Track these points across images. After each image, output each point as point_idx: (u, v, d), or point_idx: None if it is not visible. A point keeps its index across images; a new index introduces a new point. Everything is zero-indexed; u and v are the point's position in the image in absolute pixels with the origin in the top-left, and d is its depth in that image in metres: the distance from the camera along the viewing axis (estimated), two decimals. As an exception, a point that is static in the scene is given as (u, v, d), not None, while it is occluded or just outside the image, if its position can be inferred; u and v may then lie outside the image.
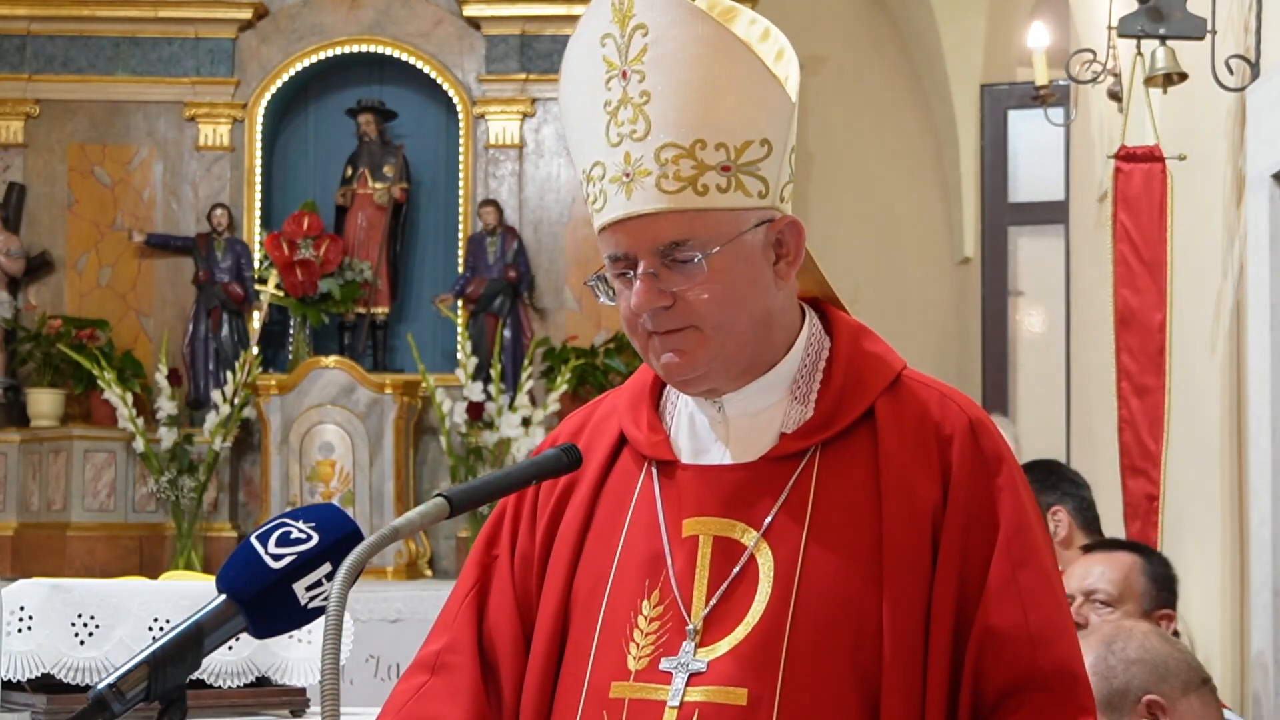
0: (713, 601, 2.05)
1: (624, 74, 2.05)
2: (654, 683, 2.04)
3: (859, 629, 2.01)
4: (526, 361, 11.73)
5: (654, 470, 2.15)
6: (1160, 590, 4.35)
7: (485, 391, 11.50)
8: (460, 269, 12.10)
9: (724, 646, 2.02)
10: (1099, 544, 4.61)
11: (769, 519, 2.07)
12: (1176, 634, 4.42)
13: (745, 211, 2.07)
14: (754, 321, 2.08)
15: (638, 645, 2.06)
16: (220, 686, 3.82)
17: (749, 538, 2.06)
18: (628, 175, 2.04)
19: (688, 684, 2.02)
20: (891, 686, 1.99)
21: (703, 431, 2.15)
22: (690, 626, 2.04)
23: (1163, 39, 5.45)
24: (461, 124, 12.25)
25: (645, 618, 2.07)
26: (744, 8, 2.21)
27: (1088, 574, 4.38)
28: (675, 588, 2.07)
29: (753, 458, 2.11)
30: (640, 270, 2.05)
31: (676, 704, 2.01)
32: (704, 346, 2.05)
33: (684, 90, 2.03)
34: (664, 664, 2.04)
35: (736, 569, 2.05)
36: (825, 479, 2.08)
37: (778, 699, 1.99)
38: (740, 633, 2.02)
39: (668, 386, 2.22)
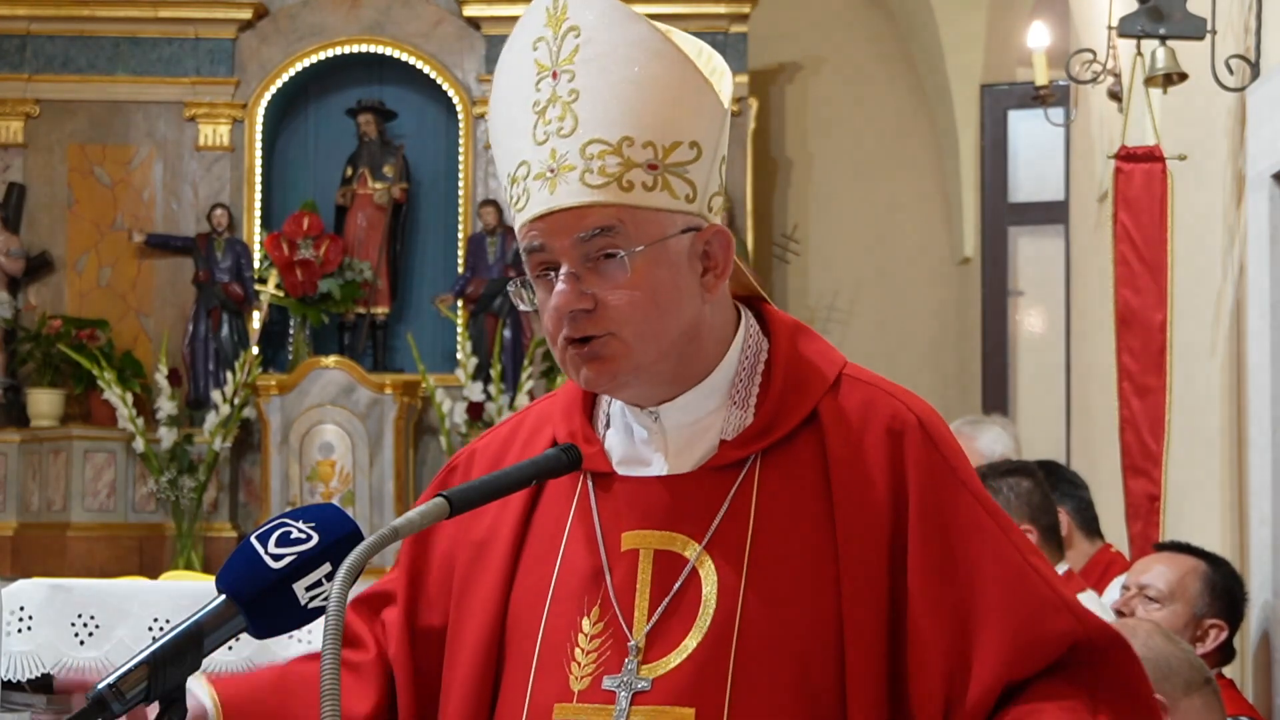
0: (655, 617, 1.99)
1: (554, 74, 2.00)
2: (597, 703, 1.97)
3: (809, 641, 1.96)
4: (527, 361, 11.73)
5: (590, 482, 2.08)
6: (1216, 599, 4.33)
7: (485, 391, 11.51)
8: (460, 269, 12.11)
9: (668, 664, 1.97)
10: (1171, 544, 4.60)
11: (710, 531, 2.01)
12: (1232, 648, 4.41)
13: (671, 214, 1.99)
14: (677, 332, 2.01)
15: (579, 664, 2.00)
16: (220, 686, 3.82)
17: (691, 550, 2.00)
18: (552, 171, 1.98)
19: (632, 703, 1.96)
20: (857, 692, 1.94)
21: (639, 442, 2.08)
22: (632, 643, 1.98)
23: (1163, 39, 5.45)
24: (461, 124, 12.26)
25: (586, 636, 2.01)
26: (678, 31, 2.13)
27: (1147, 569, 4.39)
28: (615, 604, 2.01)
29: (691, 467, 2.05)
30: (563, 271, 1.98)
31: None
32: (624, 355, 1.98)
33: (613, 88, 1.98)
34: (606, 683, 1.97)
35: (678, 584, 2.00)
36: (768, 487, 2.02)
37: (725, 716, 1.94)
38: (685, 650, 1.97)
39: (600, 395, 2.15)
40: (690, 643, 1.97)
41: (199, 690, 2.04)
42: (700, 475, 2.04)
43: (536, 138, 2.00)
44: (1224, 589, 4.36)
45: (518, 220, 2.03)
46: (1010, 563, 2.00)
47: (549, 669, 2.01)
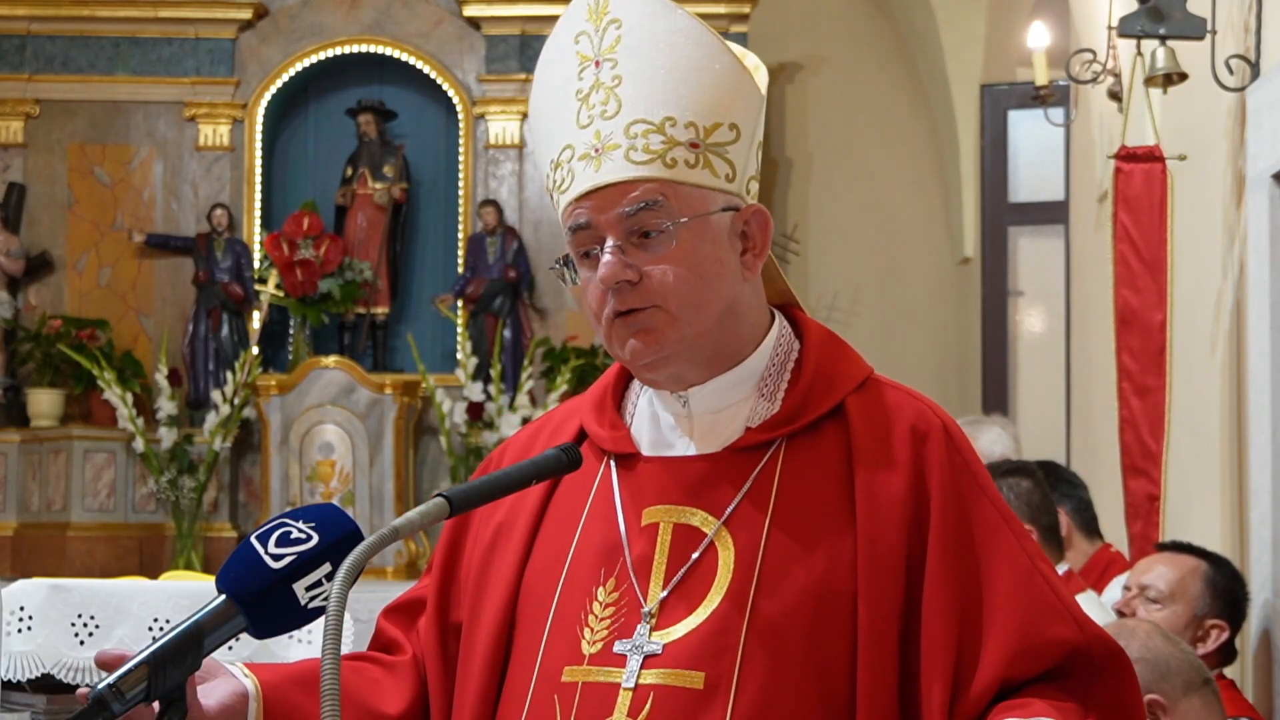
0: (670, 586, 2.03)
1: (597, 63, 2.07)
2: (608, 665, 2.01)
3: (821, 616, 2.00)
4: (526, 361, 11.73)
5: (613, 464, 2.14)
6: (1216, 599, 4.33)
7: (485, 391, 11.50)
8: (460, 269, 12.11)
9: (680, 630, 2.00)
10: (1173, 544, 4.60)
11: (731, 507, 2.05)
12: (1233, 648, 4.41)
13: (712, 192, 2.06)
14: (720, 306, 2.06)
15: (592, 630, 2.04)
16: (220, 686, 3.82)
17: (709, 525, 2.05)
18: (596, 150, 2.04)
19: (642, 666, 1.99)
20: (867, 674, 1.97)
21: (666, 428, 2.14)
22: (646, 609, 2.02)
23: (1163, 39, 5.45)
24: (461, 124, 12.26)
25: (600, 603, 2.05)
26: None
27: (1148, 570, 4.39)
28: (632, 574, 2.05)
29: (716, 449, 2.10)
30: (608, 244, 2.03)
31: (631, 686, 1.98)
32: (670, 327, 2.04)
33: (656, 71, 2.05)
34: (618, 647, 2.01)
35: (696, 555, 2.04)
36: (790, 470, 2.07)
37: (735, 682, 1.97)
38: (698, 617, 2.00)
39: (630, 387, 2.22)
40: (704, 611, 2.01)
41: (235, 671, 2.07)
42: (724, 455, 2.09)
43: (580, 121, 2.07)
44: (1225, 589, 4.36)
45: (562, 201, 2.09)
46: (1020, 568, 2.04)
47: (561, 635, 2.06)
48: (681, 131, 2.04)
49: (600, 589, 2.06)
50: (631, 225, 2.04)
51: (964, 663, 1.99)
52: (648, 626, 2.02)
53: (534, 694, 2.04)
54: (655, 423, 2.15)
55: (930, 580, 2.01)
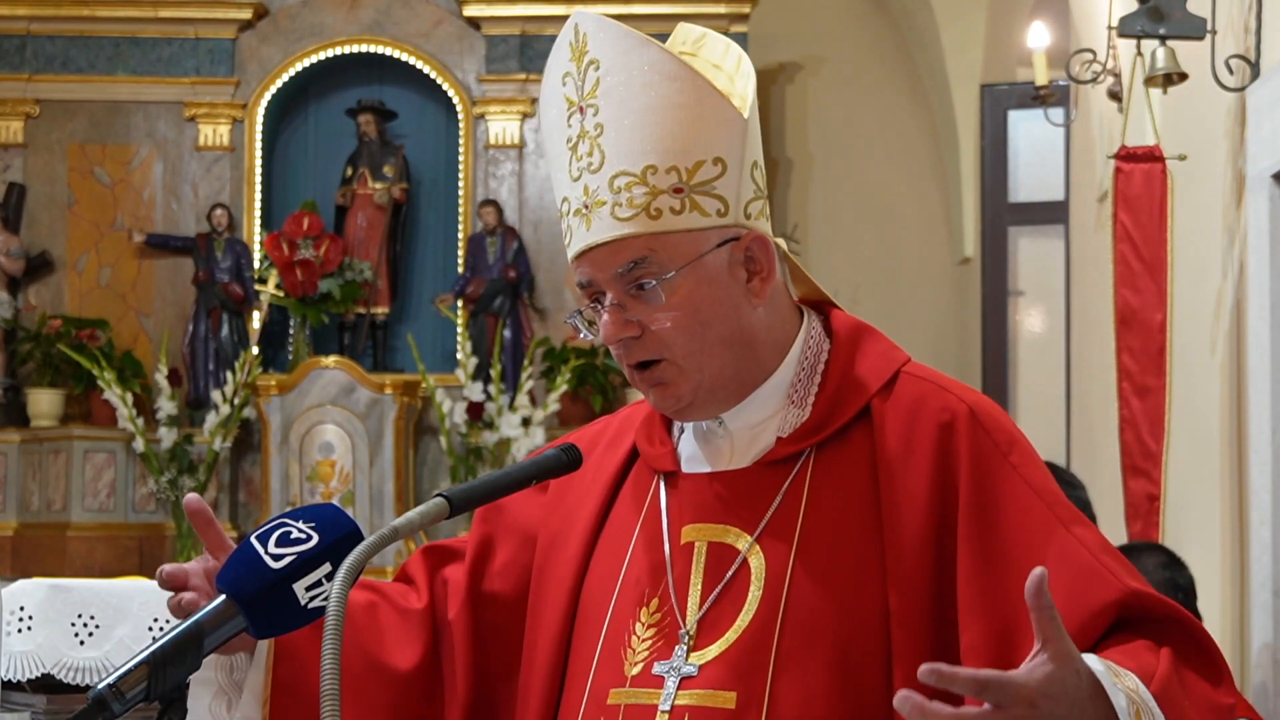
0: (705, 606, 2.06)
1: (581, 109, 2.07)
2: (647, 687, 2.05)
3: (850, 628, 2.00)
4: (526, 361, 11.73)
5: (662, 481, 2.17)
6: (1165, 593, 4.31)
7: (485, 391, 11.50)
8: (460, 269, 12.11)
9: (714, 651, 2.03)
10: (1120, 547, 4.59)
11: (763, 523, 2.07)
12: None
13: (705, 232, 2.06)
14: (728, 343, 2.08)
15: (634, 651, 2.08)
16: (220, 686, 3.82)
17: (743, 543, 2.07)
18: (586, 207, 2.06)
19: (679, 688, 2.02)
20: (902, 678, 1.95)
21: (708, 444, 2.16)
22: (683, 631, 2.05)
23: (1163, 39, 5.46)
24: (461, 124, 12.26)
25: (642, 624, 2.09)
26: (714, 34, 2.20)
27: None
28: (673, 594, 2.08)
29: (748, 463, 2.12)
30: (608, 301, 2.07)
31: (667, 708, 2.02)
32: (682, 378, 2.07)
33: (632, 118, 2.05)
34: (657, 668, 2.05)
35: (729, 574, 2.06)
36: (820, 481, 2.08)
37: (766, 702, 1.99)
38: (730, 637, 2.03)
39: None
40: (736, 630, 2.03)
41: None
42: (755, 470, 2.11)
43: (572, 174, 2.09)
44: (1172, 583, 4.35)
45: (568, 255, 2.12)
46: (1055, 542, 2.00)
47: (609, 656, 2.10)
48: (664, 179, 2.03)
49: (644, 609, 2.09)
50: (627, 281, 2.05)
51: (1013, 649, 1.94)
52: (685, 648, 2.04)
53: (584, 715, 2.08)
54: (699, 438, 2.17)
55: (963, 574, 1.99)
